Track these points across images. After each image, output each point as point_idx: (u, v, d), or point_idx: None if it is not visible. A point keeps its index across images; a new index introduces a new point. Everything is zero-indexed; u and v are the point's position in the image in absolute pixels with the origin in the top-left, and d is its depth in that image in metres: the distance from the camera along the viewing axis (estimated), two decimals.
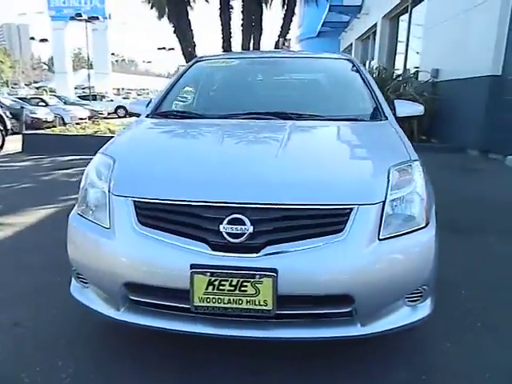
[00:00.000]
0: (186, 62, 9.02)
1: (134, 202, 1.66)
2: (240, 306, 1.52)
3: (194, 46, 9.49)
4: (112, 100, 27.24)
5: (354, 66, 2.97)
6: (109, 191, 1.74)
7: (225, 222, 1.55)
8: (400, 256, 1.61)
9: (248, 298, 1.51)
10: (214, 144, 2.03)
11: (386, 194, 1.63)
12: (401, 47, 13.22)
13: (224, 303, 1.53)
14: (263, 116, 2.42)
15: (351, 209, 1.57)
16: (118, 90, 47.24)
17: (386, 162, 1.79)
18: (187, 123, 2.46)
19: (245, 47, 10.43)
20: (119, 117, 23.72)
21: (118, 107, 26.24)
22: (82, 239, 1.79)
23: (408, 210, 1.68)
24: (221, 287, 1.51)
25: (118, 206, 1.69)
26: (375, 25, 15.29)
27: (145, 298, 1.66)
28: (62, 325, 2.09)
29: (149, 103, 2.86)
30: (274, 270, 1.49)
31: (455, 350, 1.90)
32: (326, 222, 1.56)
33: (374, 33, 15.95)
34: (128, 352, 1.90)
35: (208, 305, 1.53)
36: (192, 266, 1.51)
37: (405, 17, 12.61)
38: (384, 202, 1.61)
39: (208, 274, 1.51)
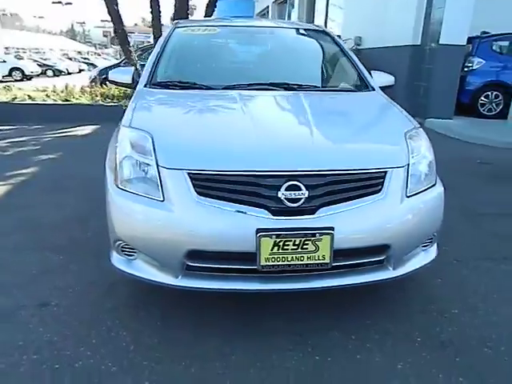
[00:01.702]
0: (114, 24, 8.41)
1: (189, 174, 1.73)
2: (301, 262, 1.72)
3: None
4: (5, 61, 24.19)
5: (331, 37, 3.17)
6: (157, 165, 1.78)
7: (283, 188, 1.70)
8: (423, 209, 1.92)
9: (309, 255, 1.71)
10: (244, 114, 2.11)
11: (409, 158, 1.92)
12: (320, 16, 13.66)
13: (288, 261, 1.71)
14: (267, 87, 2.54)
15: (386, 172, 1.83)
16: (7, 48, 41.95)
17: (401, 129, 2.07)
18: (200, 94, 2.49)
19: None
20: (15, 80, 21.29)
21: (13, 69, 23.52)
22: (132, 213, 1.81)
23: (424, 171, 1.98)
24: (285, 247, 1.69)
25: (172, 179, 1.74)
26: None
27: (205, 263, 1.77)
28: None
29: (134, 72, 2.81)
30: (331, 228, 1.70)
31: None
32: (368, 184, 1.80)
33: None
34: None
35: (273, 263, 1.70)
36: (258, 230, 1.66)
37: None
38: (408, 165, 1.89)
39: (274, 236, 1.67)
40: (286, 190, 1.70)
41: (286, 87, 2.57)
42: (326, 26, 12.64)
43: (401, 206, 1.82)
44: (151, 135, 1.89)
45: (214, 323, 1.96)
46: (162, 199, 1.74)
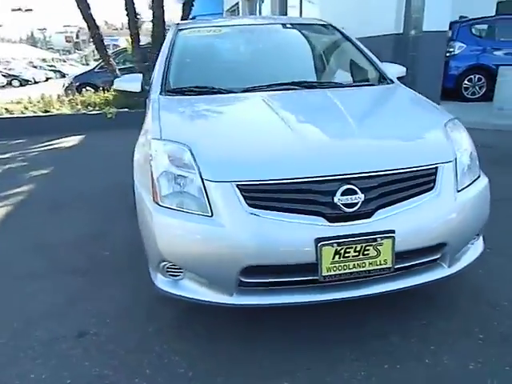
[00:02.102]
0: (89, 29, 8.13)
1: (238, 186, 1.63)
2: (363, 269, 1.64)
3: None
4: None
5: (339, 31, 3.10)
6: (202, 179, 1.67)
7: (338, 193, 1.62)
8: (474, 203, 1.87)
9: (370, 260, 1.64)
10: (279, 118, 2.01)
11: (454, 151, 1.86)
12: (293, 10, 13.58)
13: (349, 268, 1.63)
14: (287, 86, 2.45)
15: (437, 167, 1.77)
16: None
17: (440, 122, 2.02)
18: (223, 99, 2.38)
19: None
20: None
21: None
22: (179, 231, 1.70)
23: (467, 163, 1.93)
24: (346, 255, 1.61)
25: (220, 192, 1.64)
26: None
27: (260, 278, 1.68)
28: None
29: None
30: (392, 231, 1.63)
31: None
32: (421, 181, 1.74)
33: None
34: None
35: (335, 273, 1.62)
36: (318, 240, 1.58)
37: None
38: (456, 159, 1.84)
39: (335, 244, 1.59)
40: (342, 194, 1.63)
41: (307, 85, 2.49)
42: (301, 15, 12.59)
43: (454, 201, 1.77)
44: (188, 147, 1.78)
45: (264, 338, 1.87)
46: (210, 214, 1.64)
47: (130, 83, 2.74)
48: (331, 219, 1.63)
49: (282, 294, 1.70)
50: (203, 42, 2.99)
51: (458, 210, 1.79)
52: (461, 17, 8.12)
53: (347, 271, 1.64)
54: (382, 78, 2.68)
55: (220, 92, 2.43)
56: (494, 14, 9.40)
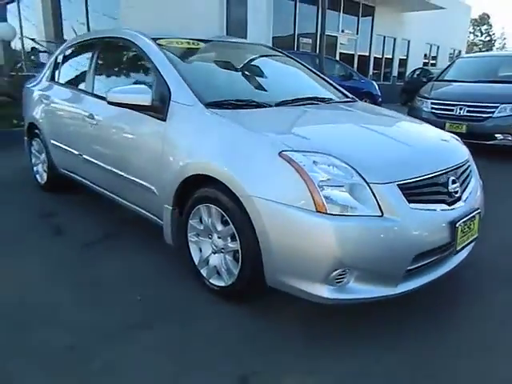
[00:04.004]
0: None
1: (399, 185, 1.85)
2: (468, 241, 2.12)
3: None
4: None
5: (281, 52, 3.48)
6: (367, 182, 1.80)
7: (450, 183, 2.05)
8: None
9: (471, 232, 2.12)
10: (369, 130, 2.30)
11: None
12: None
13: (464, 241, 2.08)
14: (306, 102, 2.69)
15: (468, 160, 2.41)
16: None
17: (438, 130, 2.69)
18: (285, 111, 2.50)
19: None
20: None
21: None
22: (355, 234, 1.76)
23: None
24: (465, 229, 2.05)
25: (387, 192, 1.81)
26: None
27: (419, 263, 1.93)
28: None
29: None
30: (478, 208, 2.17)
31: None
32: (467, 170, 2.33)
33: None
34: None
35: (462, 245, 2.04)
36: (452, 222, 1.96)
37: None
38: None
39: (462, 223, 2.01)
40: (452, 183, 2.06)
41: (320, 100, 2.78)
42: None
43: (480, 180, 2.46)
44: (331, 154, 1.86)
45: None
46: (380, 214, 1.79)
47: (137, 95, 2.37)
48: (449, 204, 2.03)
49: (426, 274, 1.99)
50: (191, 55, 2.82)
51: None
52: None
53: (465, 243, 2.08)
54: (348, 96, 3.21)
55: (258, 106, 2.45)
56: None
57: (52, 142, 3.61)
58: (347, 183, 1.80)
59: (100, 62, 3.16)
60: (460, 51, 21.58)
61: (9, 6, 17.14)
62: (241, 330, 2.00)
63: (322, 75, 3.35)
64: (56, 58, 3.81)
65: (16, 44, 16.85)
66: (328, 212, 1.75)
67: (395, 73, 17.58)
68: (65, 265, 2.60)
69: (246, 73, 3.05)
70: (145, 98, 2.37)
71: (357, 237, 1.77)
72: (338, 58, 13.36)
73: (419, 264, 1.93)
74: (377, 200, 1.79)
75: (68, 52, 3.70)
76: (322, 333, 1.99)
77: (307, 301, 1.89)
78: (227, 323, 2.04)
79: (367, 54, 15.86)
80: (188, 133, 2.28)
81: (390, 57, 17.22)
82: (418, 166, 2.01)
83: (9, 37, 8.72)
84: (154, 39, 2.74)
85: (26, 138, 4.24)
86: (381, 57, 16.70)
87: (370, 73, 15.95)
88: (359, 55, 15.38)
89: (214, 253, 2.23)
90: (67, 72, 3.63)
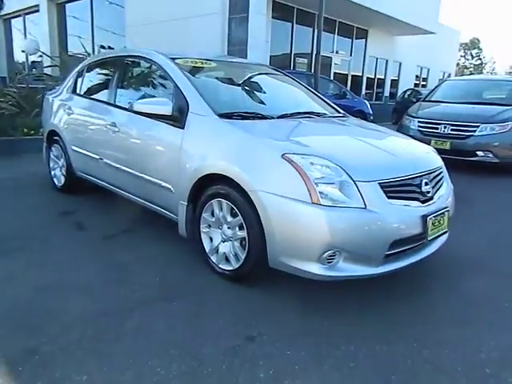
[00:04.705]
0: None
1: (379, 183, 2.26)
2: (438, 234, 2.52)
3: None
4: None
5: (281, 72, 3.94)
6: (354, 180, 2.21)
7: (423, 184, 2.47)
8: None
9: (440, 227, 2.53)
10: (350, 136, 2.72)
11: None
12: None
13: (434, 234, 2.48)
14: (304, 115, 3.12)
15: (441, 167, 2.83)
16: None
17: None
18: (286, 122, 2.92)
19: None
20: None
21: None
22: (344, 222, 2.16)
23: None
24: (435, 223, 2.46)
25: (369, 189, 2.22)
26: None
27: (395, 249, 2.32)
28: None
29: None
30: (447, 207, 2.58)
31: None
32: (440, 175, 2.75)
33: None
34: None
35: (433, 236, 2.45)
36: (423, 216, 2.37)
37: None
38: None
39: (432, 218, 2.42)
40: (425, 185, 2.48)
41: (316, 114, 3.21)
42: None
43: (450, 184, 2.88)
44: (326, 157, 2.27)
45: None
46: (363, 206, 2.20)
47: (159, 106, 2.79)
48: (423, 202, 2.44)
49: (403, 259, 2.39)
50: (204, 72, 3.26)
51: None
52: None
53: (435, 235, 2.48)
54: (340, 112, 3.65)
55: (263, 117, 2.87)
56: None
57: (73, 147, 4.00)
58: (337, 181, 2.21)
59: (122, 77, 3.58)
60: (450, 74, 22.42)
61: (14, 21, 17.75)
62: (247, 302, 2.37)
63: (317, 93, 3.79)
64: (78, 72, 4.23)
65: (18, 57, 17.44)
66: (321, 204, 2.15)
67: (387, 93, 18.25)
68: (90, 254, 2.96)
69: (252, 89, 3.50)
70: (166, 108, 2.79)
71: (344, 224, 2.17)
72: (332, 77, 13.95)
73: (397, 250, 2.33)
74: (361, 195, 2.20)
75: (91, 67, 4.13)
76: (314, 302, 2.38)
77: (302, 278, 2.28)
78: (236, 298, 2.42)
79: (360, 74, 16.52)
80: (204, 138, 2.69)
81: (382, 77, 17.91)
82: (396, 168, 2.43)
83: (32, 51, 9.15)
84: (173, 59, 3.17)
85: (45, 145, 4.61)
86: (373, 77, 17.38)
87: (363, 92, 16.58)
88: (352, 75, 16.02)
89: (224, 241, 2.61)
90: (90, 85, 4.05)
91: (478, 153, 6.36)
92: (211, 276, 2.65)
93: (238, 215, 2.45)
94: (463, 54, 51.36)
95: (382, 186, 2.27)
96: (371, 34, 16.07)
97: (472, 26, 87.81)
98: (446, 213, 2.57)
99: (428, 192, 2.49)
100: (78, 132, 3.93)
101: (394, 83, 18.71)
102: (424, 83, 20.51)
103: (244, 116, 2.80)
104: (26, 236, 3.21)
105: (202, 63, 3.34)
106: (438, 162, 2.84)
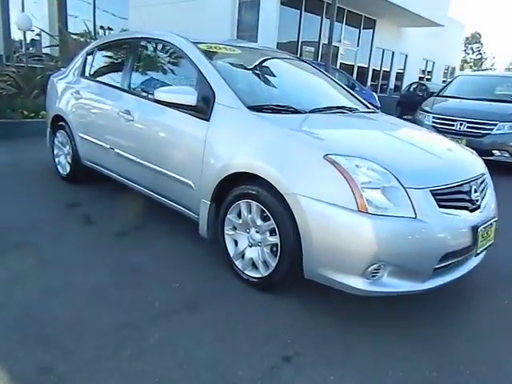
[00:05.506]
0: None
1: (431, 191, 2.05)
2: (486, 246, 2.32)
3: None
4: None
5: (309, 64, 3.68)
6: (403, 186, 1.99)
7: (472, 191, 2.26)
8: None
9: (488, 238, 2.33)
10: (388, 136, 2.51)
11: None
12: None
13: (483, 244, 2.28)
14: (336, 110, 2.90)
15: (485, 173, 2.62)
16: None
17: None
18: (319, 117, 2.68)
19: None
20: None
21: None
22: (392, 233, 1.95)
23: None
24: (484, 235, 2.26)
25: (420, 197, 2.01)
26: None
27: (444, 262, 2.12)
28: None
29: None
30: (495, 217, 2.38)
31: None
32: (484, 183, 2.53)
33: None
34: None
35: (481, 249, 2.25)
36: (474, 227, 2.17)
37: None
38: None
39: (483, 228, 2.22)
40: (474, 192, 2.27)
41: (347, 110, 2.98)
42: None
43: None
44: (374, 160, 2.05)
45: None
46: (413, 216, 1.99)
47: (183, 95, 2.54)
48: (471, 211, 2.24)
49: (449, 273, 2.19)
50: (229, 60, 3.00)
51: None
52: None
53: (483, 248, 2.28)
54: (371, 107, 3.42)
55: (295, 112, 2.63)
56: None
57: (80, 134, 3.74)
58: (385, 186, 1.99)
59: (137, 60, 3.31)
60: (454, 68, 22.17)
61: None
62: (279, 314, 2.17)
63: (344, 86, 3.54)
64: (87, 53, 3.94)
65: (14, 35, 16.85)
66: (369, 212, 1.93)
67: (392, 85, 17.98)
68: (100, 252, 2.74)
69: (280, 80, 3.24)
70: (190, 98, 2.54)
71: (393, 235, 1.96)
72: (338, 67, 13.65)
73: (445, 263, 2.13)
74: (411, 203, 1.98)
75: (101, 49, 3.84)
76: (353, 316, 2.19)
77: (338, 290, 2.08)
78: (266, 309, 2.21)
79: (366, 65, 16.22)
80: (232, 133, 2.45)
81: (388, 69, 17.63)
82: (446, 174, 2.22)
83: (26, 27, 8.76)
84: (195, 43, 2.91)
85: (48, 130, 4.34)
86: (379, 69, 17.09)
87: (368, 84, 16.30)
88: (358, 66, 15.72)
89: (251, 246, 2.40)
90: (101, 68, 3.78)
91: (494, 152, 6.17)
92: (235, 282, 2.45)
93: (269, 219, 2.24)
94: (464, 48, 51.00)
95: (434, 193, 2.06)
96: (379, 24, 15.73)
97: (473, 21, 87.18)
98: (494, 223, 2.37)
99: (477, 200, 2.28)
100: (87, 118, 3.67)
101: (399, 76, 18.43)
102: (428, 77, 20.26)
103: (274, 109, 2.56)
104: (30, 230, 2.98)
105: (226, 49, 3.07)
106: (482, 166, 2.63)
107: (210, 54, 2.86)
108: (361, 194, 1.95)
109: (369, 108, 3.34)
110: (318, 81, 3.48)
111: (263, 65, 3.26)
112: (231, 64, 3.02)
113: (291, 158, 2.17)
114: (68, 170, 4.07)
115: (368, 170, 2.02)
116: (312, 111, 2.73)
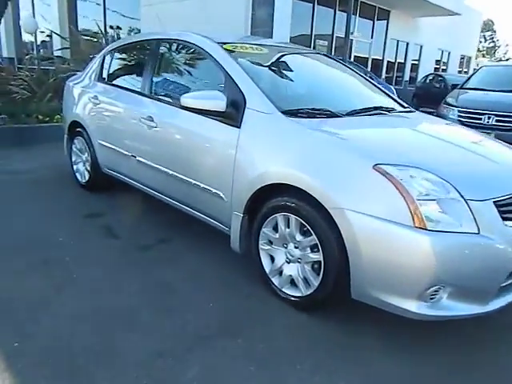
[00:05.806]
0: None
1: (495, 202, 1.84)
2: None
3: None
4: None
5: (337, 61, 3.46)
6: (464, 199, 1.79)
7: None
8: None
9: None
10: (438, 140, 2.31)
11: None
12: None
13: None
14: (373, 112, 2.69)
15: None
16: None
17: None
18: (354, 121, 2.47)
19: None
20: None
21: None
22: (454, 251, 1.75)
23: None
24: None
25: (483, 210, 1.81)
26: None
27: (508, 280, 1.91)
28: None
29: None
30: None
31: None
32: None
33: None
34: None
35: None
36: None
37: None
38: None
39: None
40: None
41: (384, 110, 2.77)
42: None
43: None
44: (429, 169, 1.86)
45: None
46: (476, 232, 1.78)
47: (212, 101, 2.37)
48: None
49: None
50: (257, 61, 2.81)
51: None
52: None
53: None
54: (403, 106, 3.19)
55: (331, 115, 2.44)
56: None
57: (99, 141, 3.59)
58: (444, 199, 1.79)
59: (159, 64, 3.14)
60: (470, 57, 21.61)
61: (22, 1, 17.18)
62: (323, 339, 2.00)
63: (375, 83, 3.33)
64: (104, 56, 3.78)
65: (25, 37, 16.88)
66: (427, 228, 1.74)
67: (407, 77, 17.58)
68: (126, 269, 2.58)
69: (312, 80, 3.04)
70: (220, 104, 2.37)
71: (455, 253, 1.76)
72: (352, 60, 13.35)
73: (510, 281, 1.92)
74: (474, 217, 1.78)
75: (119, 51, 3.68)
76: (403, 341, 1.99)
77: (385, 311, 1.90)
78: (309, 333, 2.04)
79: (381, 57, 15.86)
80: (266, 140, 2.27)
81: (403, 61, 17.22)
82: (508, 182, 2.00)
83: (31, 29, 8.69)
84: (220, 43, 2.73)
85: (66, 136, 4.21)
86: (393, 61, 16.70)
87: (383, 76, 15.94)
88: (373, 58, 15.38)
89: (289, 262, 2.22)
90: (118, 71, 3.62)
91: None
92: (272, 300, 2.28)
93: (310, 234, 2.05)
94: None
95: (497, 205, 1.85)
96: (393, 15, 15.34)
97: (486, 7, 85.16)
98: None
99: None
100: (106, 124, 3.51)
101: (414, 68, 18.01)
102: (444, 67, 19.77)
103: (310, 113, 2.37)
104: (51, 245, 2.83)
105: (253, 49, 2.88)
106: None
107: (236, 55, 2.68)
108: (417, 208, 1.75)
109: (404, 107, 3.12)
110: (349, 78, 3.26)
111: (292, 64, 3.05)
112: (260, 65, 2.83)
113: (335, 169, 1.98)
114: (87, 177, 3.93)
115: (424, 180, 1.82)
116: (349, 113, 2.52)
